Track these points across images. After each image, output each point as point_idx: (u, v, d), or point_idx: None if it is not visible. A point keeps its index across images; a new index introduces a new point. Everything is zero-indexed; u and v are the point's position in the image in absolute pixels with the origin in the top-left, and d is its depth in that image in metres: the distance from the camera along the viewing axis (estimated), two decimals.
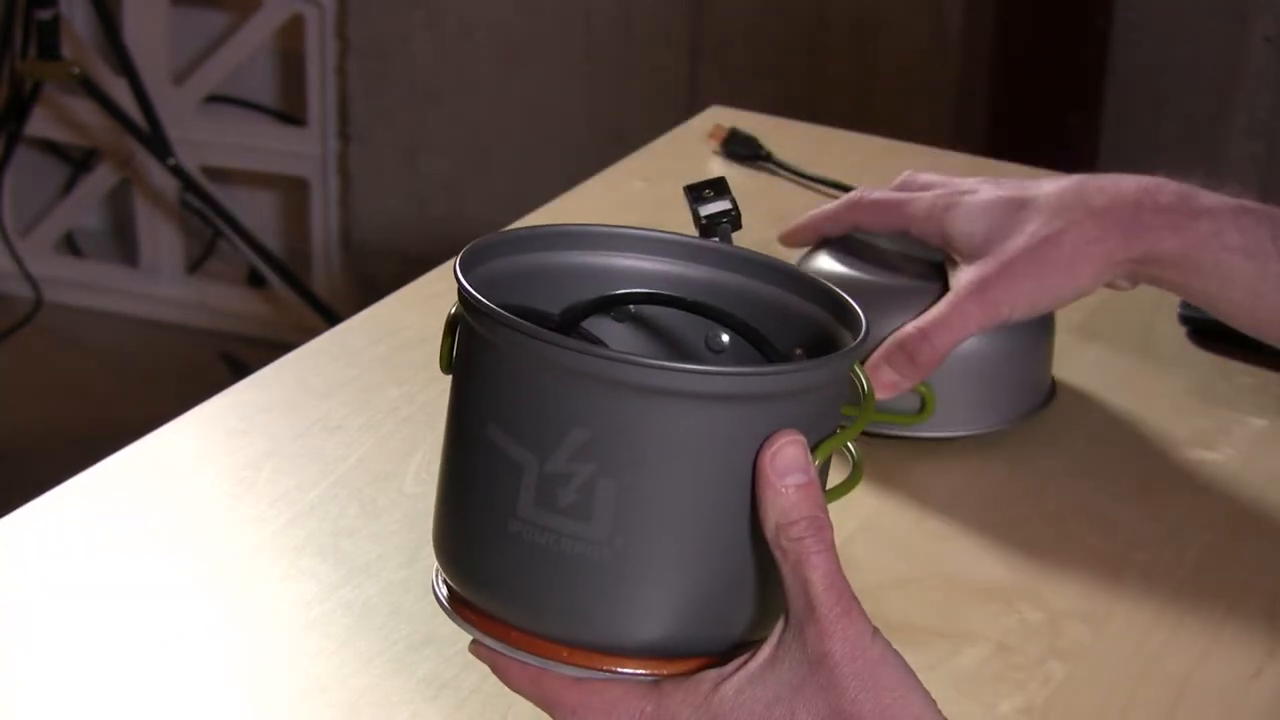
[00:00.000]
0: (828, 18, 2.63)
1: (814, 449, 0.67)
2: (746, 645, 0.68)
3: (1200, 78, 2.37)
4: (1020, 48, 2.44)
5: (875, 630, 0.66)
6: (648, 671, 0.68)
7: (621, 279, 0.74)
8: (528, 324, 0.65)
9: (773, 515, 0.66)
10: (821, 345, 0.71)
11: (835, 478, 0.70)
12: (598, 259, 0.75)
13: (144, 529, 0.98)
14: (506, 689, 0.87)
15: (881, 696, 0.65)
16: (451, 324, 0.70)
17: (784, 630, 0.66)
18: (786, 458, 0.66)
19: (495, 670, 0.70)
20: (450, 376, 0.70)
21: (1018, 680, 0.89)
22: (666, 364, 0.64)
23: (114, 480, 1.02)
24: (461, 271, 0.69)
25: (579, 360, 0.64)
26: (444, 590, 0.71)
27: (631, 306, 0.75)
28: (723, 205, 0.81)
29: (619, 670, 0.67)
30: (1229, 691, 0.88)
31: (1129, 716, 0.87)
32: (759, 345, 0.70)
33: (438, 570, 0.71)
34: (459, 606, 0.70)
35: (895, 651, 0.66)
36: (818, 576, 0.65)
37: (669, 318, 0.75)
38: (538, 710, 0.86)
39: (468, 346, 0.69)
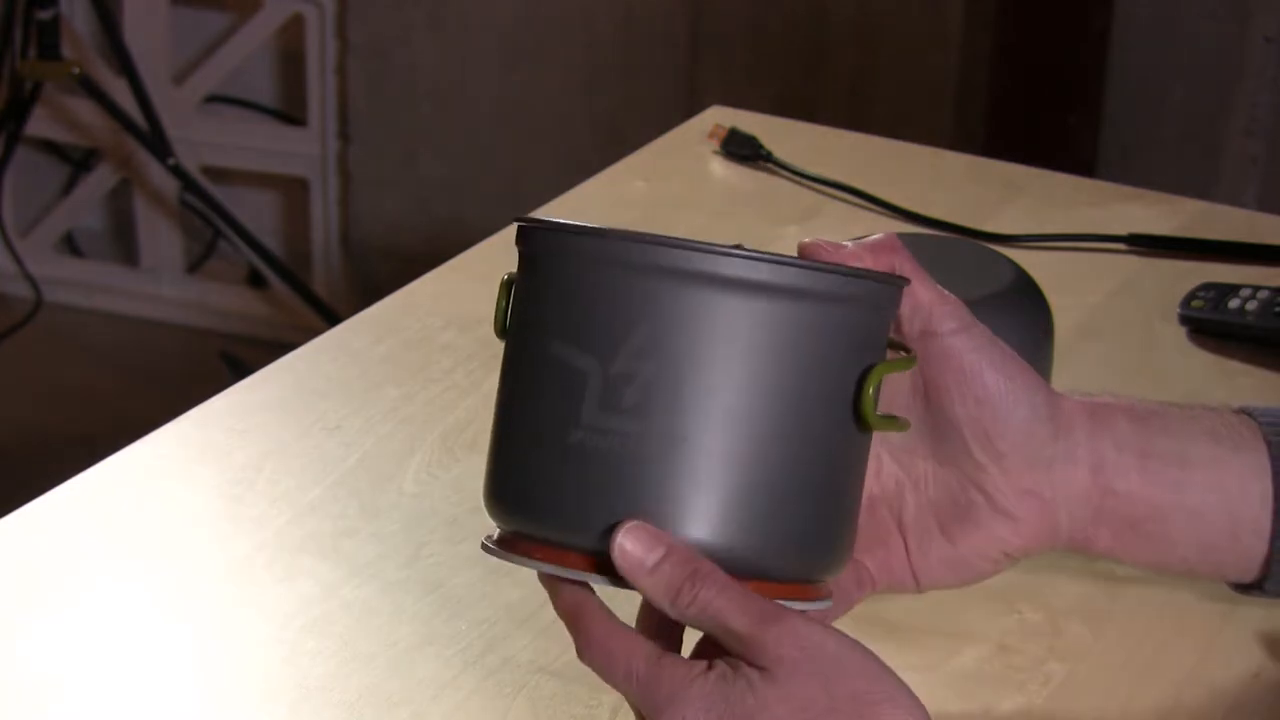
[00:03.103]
0: (828, 17, 2.63)
1: (869, 371, 0.68)
2: (803, 583, 0.69)
3: (1200, 78, 2.37)
4: (1020, 47, 2.44)
5: (825, 629, 0.67)
6: None
7: None
8: (592, 226, 0.67)
9: (661, 596, 0.67)
10: None
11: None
12: None
13: (144, 529, 0.98)
14: (506, 690, 0.87)
15: (855, 685, 0.65)
16: (506, 285, 0.72)
17: (735, 672, 0.66)
18: (631, 546, 0.67)
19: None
20: (503, 343, 0.72)
21: (1018, 680, 0.89)
22: (722, 247, 0.66)
23: (114, 480, 1.02)
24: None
25: (637, 251, 0.66)
26: (495, 537, 0.71)
27: None
28: None
29: None
30: (1229, 691, 0.88)
31: (1129, 716, 0.87)
32: None
33: (487, 536, 0.71)
34: (514, 543, 0.70)
35: (854, 644, 0.67)
36: (733, 612, 0.66)
37: None
38: (536, 711, 0.86)
39: (529, 284, 0.70)
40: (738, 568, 0.67)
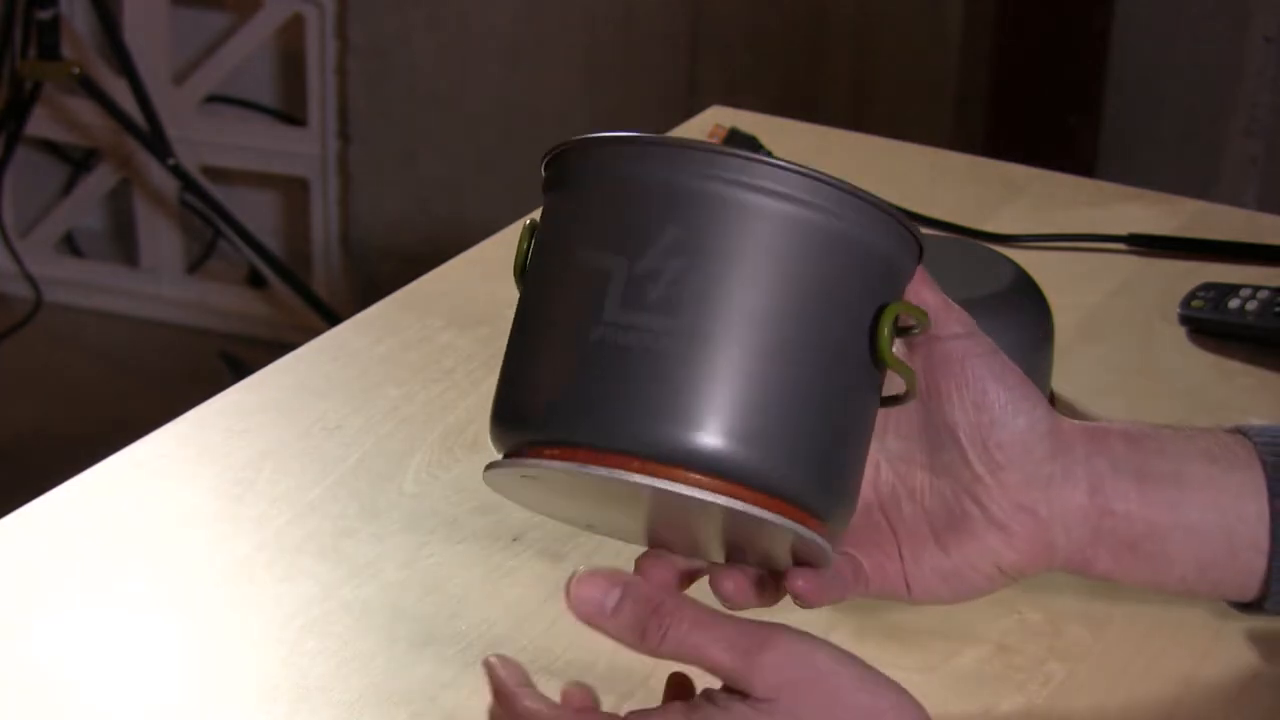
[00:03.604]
0: (828, 18, 2.63)
1: (884, 308, 0.69)
2: (808, 511, 0.68)
3: (1200, 78, 2.37)
4: (1020, 48, 2.44)
5: (813, 640, 0.66)
6: (711, 491, 0.67)
7: None
8: (625, 134, 0.68)
9: (628, 639, 0.67)
10: None
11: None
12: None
13: (144, 529, 0.98)
14: None
15: (857, 699, 0.65)
16: (530, 229, 0.72)
17: (729, 700, 0.66)
18: (587, 590, 0.67)
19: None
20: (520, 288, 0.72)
21: (1018, 680, 0.89)
22: (761, 157, 0.67)
23: (114, 480, 1.02)
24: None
25: (678, 156, 0.67)
26: (530, 456, 0.69)
27: None
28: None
29: (687, 479, 0.67)
30: (1229, 691, 0.88)
31: (1129, 716, 0.87)
32: None
33: (504, 458, 0.70)
34: (522, 451, 0.69)
35: (844, 654, 0.66)
36: (711, 644, 0.66)
37: None
38: None
39: (556, 208, 0.71)
40: (747, 477, 0.67)
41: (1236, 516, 0.78)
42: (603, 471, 0.66)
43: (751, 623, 0.67)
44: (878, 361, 0.70)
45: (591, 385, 0.67)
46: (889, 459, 0.77)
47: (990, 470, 0.76)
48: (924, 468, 0.77)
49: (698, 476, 0.66)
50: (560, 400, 0.68)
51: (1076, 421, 0.78)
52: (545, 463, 0.67)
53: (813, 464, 0.68)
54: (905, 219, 0.71)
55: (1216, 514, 0.78)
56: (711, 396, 0.66)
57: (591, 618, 0.67)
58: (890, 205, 0.70)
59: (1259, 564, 0.78)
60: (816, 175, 0.68)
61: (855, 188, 0.69)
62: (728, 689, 0.67)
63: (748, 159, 0.68)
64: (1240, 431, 0.80)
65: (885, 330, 0.69)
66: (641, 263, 0.67)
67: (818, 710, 0.65)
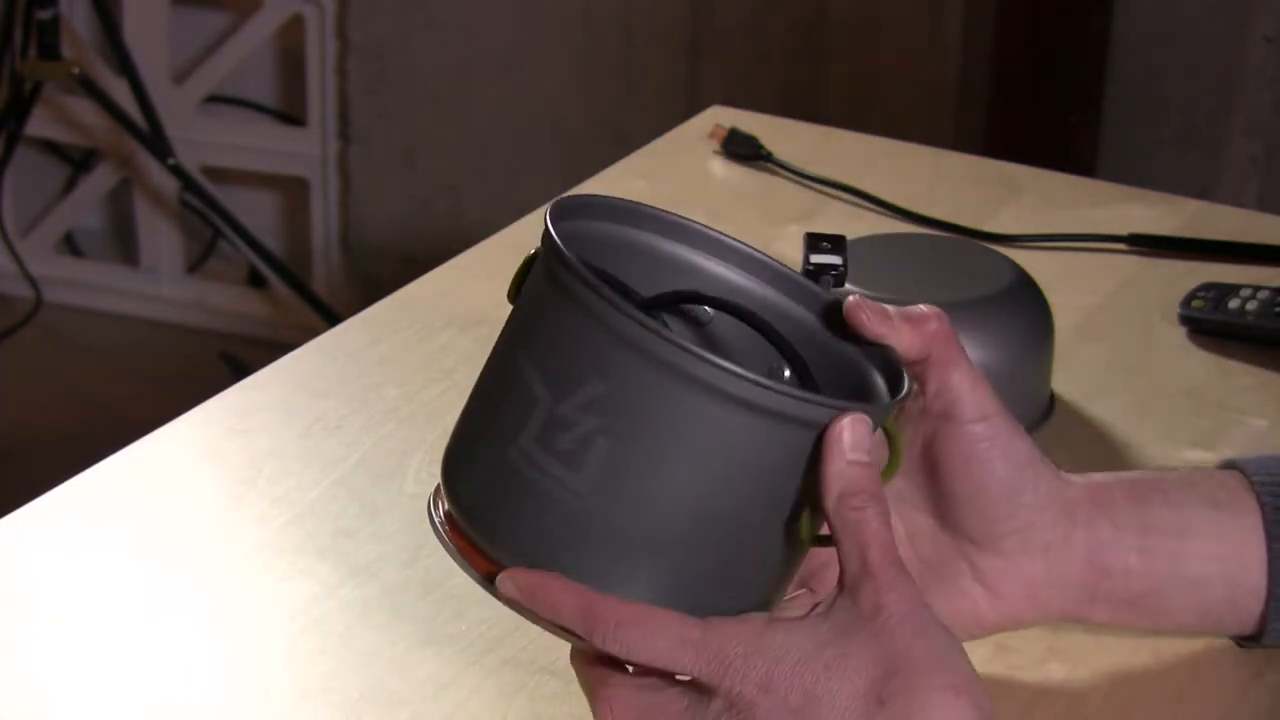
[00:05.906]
0: (828, 18, 2.63)
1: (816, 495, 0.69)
2: None
3: (1200, 78, 2.37)
4: (1020, 48, 2.44)
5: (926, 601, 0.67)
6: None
7: (706, 283, 0.75)
8: (591, 276, 0.66)
9: (836, 485, 0.67)
10: (860, 392, 0.73)
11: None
12: (686, 254, 0.76)
13: (144, 529, 0.98)
14: (506, 690, 0.87)
15: (934, 647, 0.66)
16: (529, 261, 0.72)
17: (837, 596, 0.67)
18: (856, 434, 0.67)
19: (534, 595, 0.69)
20: (509, 313, 0.72)
21: (1018, 680, 0.89)
22: (693, 350, 0.65)
23: (114, 480, 1.02)
24: (551, 220, 0.70)
25: (617, 319, 0.66)
26: (440, 512, 0.72)
27: (709, 310, 0.76)
28: (833, 260, 0.89)
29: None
30: (1229, 691, 0.88)
31: (1129, 716, 0.87)
32: (803, 379, 0.72)
33: (437, 489, 0.72)
34: (448, 519, 0.71)
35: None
36: (875, 544, 0.67)
37: (739, 334, 0.75)
38: (536, 711, 0.86)
39: (533, 283, 0.71)
40: None
41: (1239, 565, 0.79)
42: (484, 585, 0.69)
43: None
44: (798, 541, 0.70)
45: (496, 498, 0.69)
46: (893, 501, 0.75)
47: (990, 539, 0.77)
48: (927, 514, 0.78)
49: None
50: (473, 496, 0.69)
51: (1080, 480, 0.78)
52: (450, 545, 0.70)
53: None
54: (865, 406, 0.68)
55: (1219, 564, 0.79)
56: (592, 556, 0.67)
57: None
58: (840, 402, 0.68)
59: (1256, 608, 0.79)
60: (751, 379, 0.65)
61: (799, 392, 0.67)
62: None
63: (686, 351, 0.65)
64: (1236, 466, 0.80)
65: (806, 515, 0.69)
66: (561, 407, 0.67)
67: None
